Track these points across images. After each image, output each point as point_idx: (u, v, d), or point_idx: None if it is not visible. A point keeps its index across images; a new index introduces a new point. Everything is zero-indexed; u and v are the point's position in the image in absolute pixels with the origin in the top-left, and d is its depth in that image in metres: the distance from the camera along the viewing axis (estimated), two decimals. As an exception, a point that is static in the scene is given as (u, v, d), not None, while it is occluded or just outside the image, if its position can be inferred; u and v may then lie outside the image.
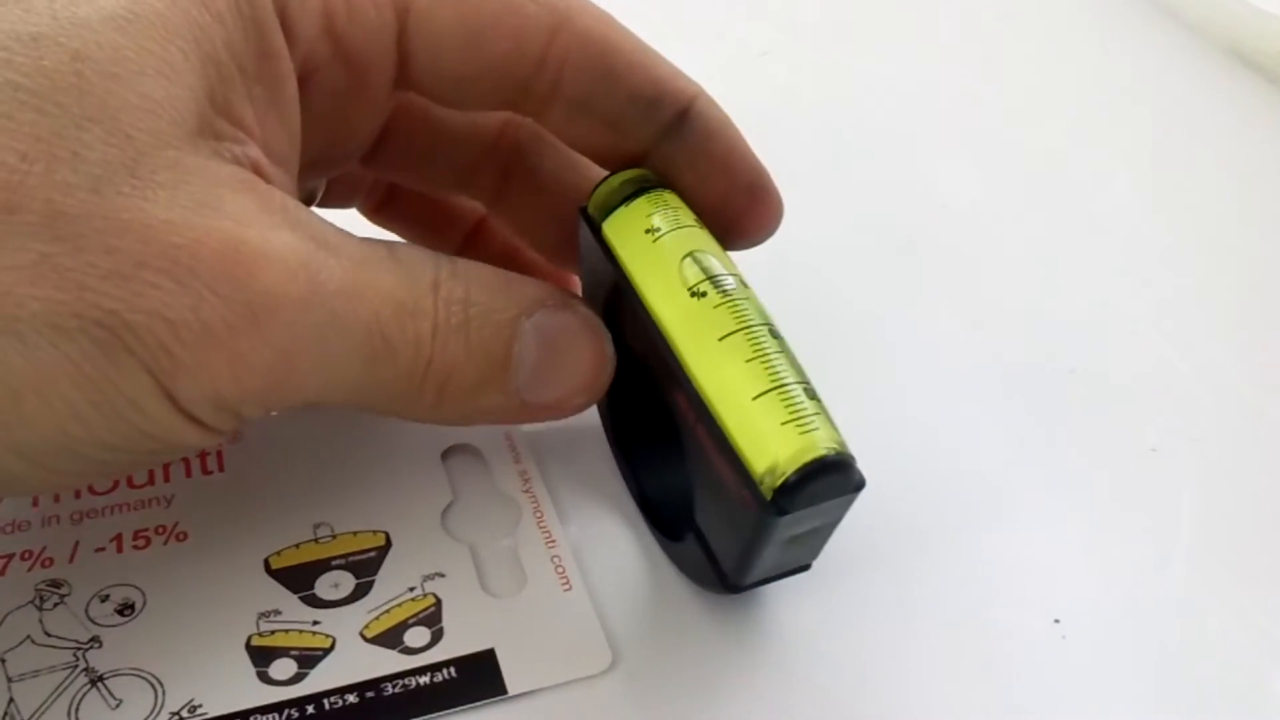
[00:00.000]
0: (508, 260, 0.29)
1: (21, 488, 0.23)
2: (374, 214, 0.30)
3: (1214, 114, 0.43)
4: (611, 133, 0.24)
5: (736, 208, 0.24)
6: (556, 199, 0.27)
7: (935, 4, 0.48)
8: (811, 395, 0.20)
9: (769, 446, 0.20)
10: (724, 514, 0.21)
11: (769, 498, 0.20)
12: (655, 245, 0.22)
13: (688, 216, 0.23)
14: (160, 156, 0.19)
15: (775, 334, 0.21)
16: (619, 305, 0.23)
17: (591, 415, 0.28)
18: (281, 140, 0.22)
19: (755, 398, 0.20)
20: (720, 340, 0.21)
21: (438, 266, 0.22)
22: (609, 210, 0.24)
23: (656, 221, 0.23)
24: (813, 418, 0.20)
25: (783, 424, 0.20)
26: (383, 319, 0.21)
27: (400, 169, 0.27)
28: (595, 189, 0.24)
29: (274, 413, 0.21)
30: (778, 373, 0.20)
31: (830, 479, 0.20)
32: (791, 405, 0.20)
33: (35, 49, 0.18)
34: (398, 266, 0.21)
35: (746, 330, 0.21)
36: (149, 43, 0.19)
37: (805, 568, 0.23)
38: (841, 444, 0.20)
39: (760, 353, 0.20)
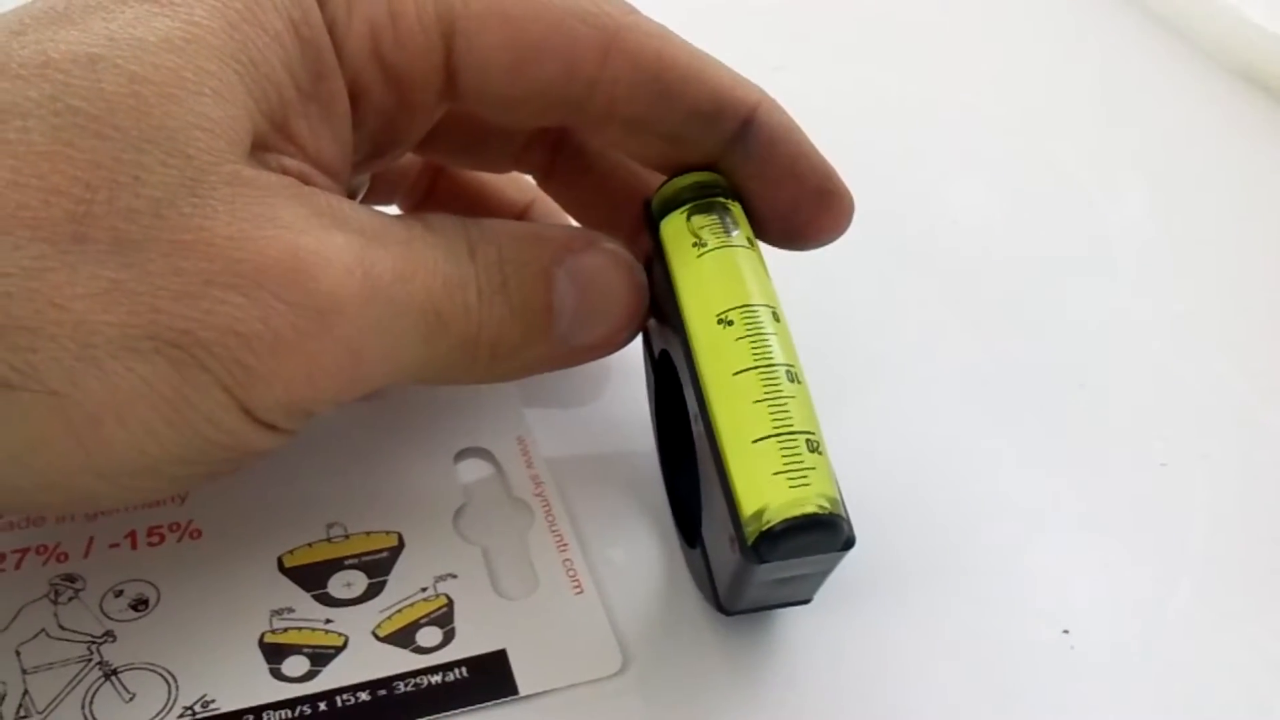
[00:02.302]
0: None
1: (101, 504, 0.23)
2: (414, 210, 0.30)
3: (1223, 134, 0.43)
4: (673, 147, 0.24)
5: (806, 213, 0.24)
6: (604, 177, 0.27)
7: (948, 22, 0.48)
8: (814, 449, 0.20)
9: (760, 493, 0.20)
10: (718, 541, 0.21)
11: (750, 543, 0.20)
12: (698, 260, 0.22)
13: (739, 233, 0.23)
14: (218, 173, 0.19)
15: (793, 378, 0.21)
16: (675, 304, 0.23)
17: (604, 419, 0.28)
18: (334, 154, 0.22)
19: (755, 441, 0.20)
20: (735, 375, 0.21)
21: (468, 231, 0.23)
22: (668, 209, 0.23)
23: (705, 235, 0.22)
24: (807, 472, 0.20)
25: (774, 474, 0.20)
26: (434, 296, 0.21)
27: (451, 154, 0.28)
28: (662, 185, 0.24)
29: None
30: (783, 419, 0.20)
31: (814, 536, 0.20)
32: (789, 455, 0.20)
33: (94, 71, 0.18)
34: (438, 240, 0.22)
35: (761, 370, 0.21)
36: (206, 63, 0.19)
37: (805, 601, 0.23)
38: (834, 502, 0.20)
39: (769, 395, 0.20)
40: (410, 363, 0.22)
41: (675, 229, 0.23)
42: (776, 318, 0.22)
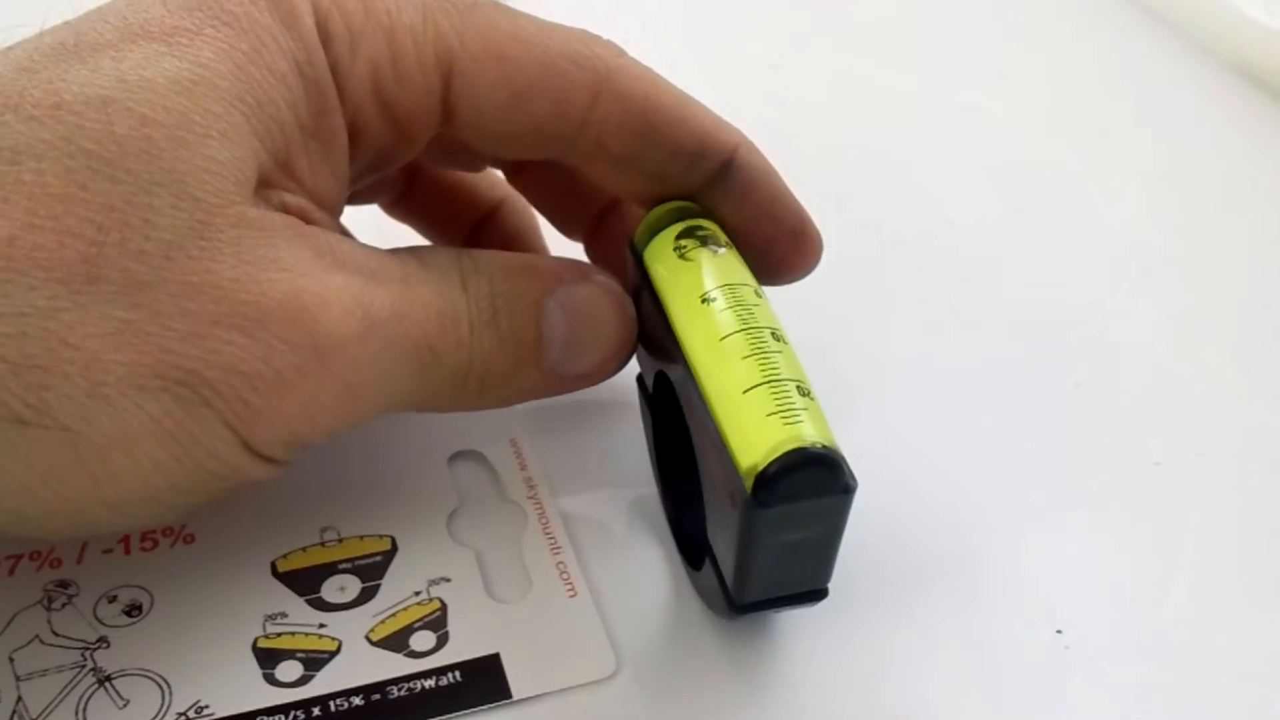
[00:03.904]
0: (517, 245, 0.30)
1: (103, 530, 0.24)
2: (391, 208, 0.30)
3: (1222, 131, 0.43)
4: (657, 184, 0.25)
5: (779, 252, 0.25)
6: (569, 175, 0.27)
7: (944, 19, 0.48)
8: (804, 393, 0.20)
9: (755, 440, 0.20)
10: (723, 520, 0.21)
11: (749, 491, 0.20)
12: (680, 261, 0.23)
13: (718, 239, 0.24)
14: (225, 216, 0.20)
15: (778, 337, 0.21)
16: (665, 329, 0.23)
17: (597, 422, 0.28)
18: (331, 188, 0.23)
19: (746, 390, 0.20)
20: (721, 340, 0.21)
21: (460, 264, 0.23)
22: (650, 236, 0.24)
23: (685, 244, 0.23)
24: (800, 412, 0.20)
25: (768, 415, 0.20)
26: (428, 331, 0.22)
27: (429, 158, 0.28)
28: (642, 220, 0.25)
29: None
30: (771, 368, 0.21)
31: (813, 473, 0.20)
32: (780, 398, 0.20)
33: (105, 113, 0.19)
34: (431, 275, 0.23)
35: (747, 331, 0.21)
36: (214, 105, 0.20)
37: (817, 596, 0.23)
38: (830, 442, 0.20)
39: (757, 350, 0.21)
40: (404, 395, 0.22)
41: (658, 248, 0.24)
42: (758, 295, 0.22)
